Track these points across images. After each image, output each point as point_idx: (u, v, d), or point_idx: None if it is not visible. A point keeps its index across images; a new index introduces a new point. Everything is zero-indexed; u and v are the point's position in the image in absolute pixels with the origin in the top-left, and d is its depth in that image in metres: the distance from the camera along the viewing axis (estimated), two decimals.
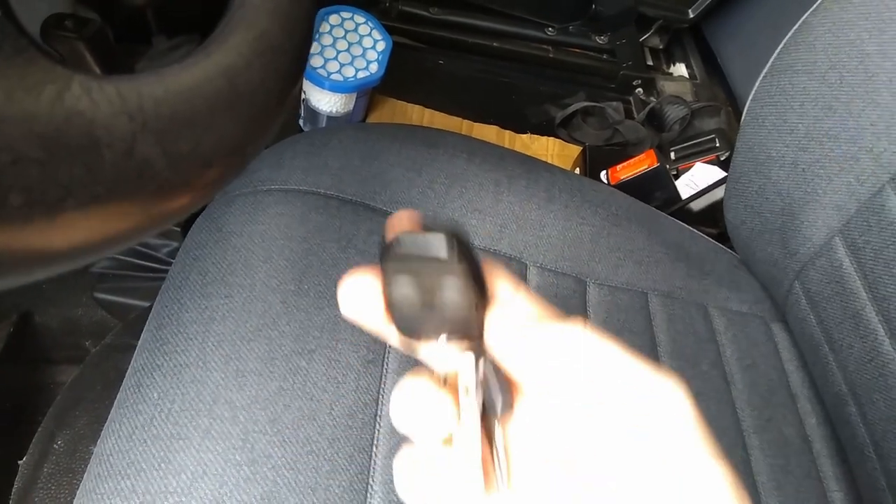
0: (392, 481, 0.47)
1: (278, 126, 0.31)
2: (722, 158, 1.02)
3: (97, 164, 0.19)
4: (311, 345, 0.51)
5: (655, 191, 0.89)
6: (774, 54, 0.67)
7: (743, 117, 0.71)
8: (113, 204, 0.20)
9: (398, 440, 0.49)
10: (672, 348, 0.65)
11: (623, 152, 1.08)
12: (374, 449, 0.48)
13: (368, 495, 0.46)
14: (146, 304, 0.84)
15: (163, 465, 0.44)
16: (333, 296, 0.55)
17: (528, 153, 1.09)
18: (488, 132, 1.10)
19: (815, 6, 0.63)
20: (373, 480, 0.47)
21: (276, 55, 0.29)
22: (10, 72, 0.19)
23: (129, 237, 0.21)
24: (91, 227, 0.19)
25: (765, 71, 0.68)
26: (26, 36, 0.20)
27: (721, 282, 0.73)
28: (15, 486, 0.66)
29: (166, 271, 0.60)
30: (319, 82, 0.89)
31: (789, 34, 0.66)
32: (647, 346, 0.64)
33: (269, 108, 0.29)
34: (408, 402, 0.24)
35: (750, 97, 0.70)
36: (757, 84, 0.69)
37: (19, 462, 0.68)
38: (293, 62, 0.31)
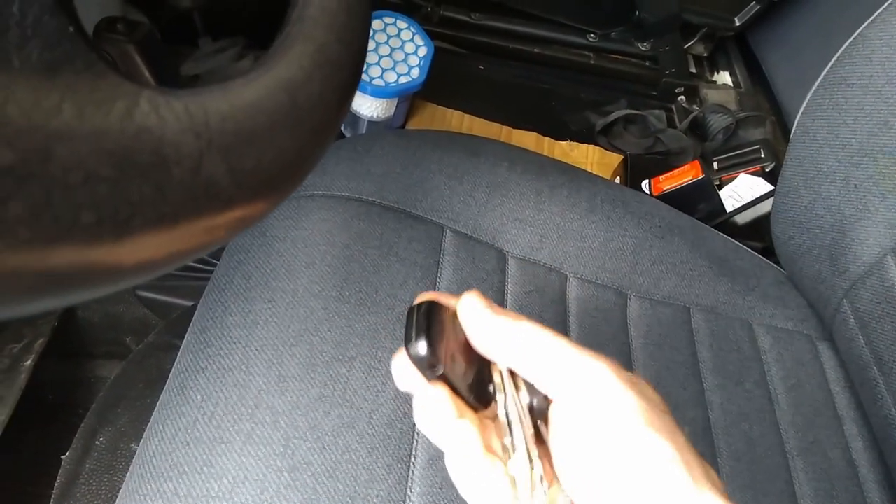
0: (429, 493, 0.47)
1: (336, 136, 0.31)
2: (767, 170, 1.00)
3: (166, 181, 0.19)
4: (352, 352, 0.51)
5: (699, 203, 0.88)
6: (827, 67, 0.66)
7: (793, 130, 0.70)
8: (180, 221, 0.20)
9: (437, 451, 0.49)
10: (715, 365, 0.64)
11: (665, 161, 1.07)
12: (413, 459, 0.48)
13: None
14: (187, 302, 0.85)
15: (205, 468, 0.44)
16: (374, 303, 0.55)
17: (568, 160, 1.08)
18: (528, 139, 1.09)
19: (872, 18, 0.62)
20: (411, 491, 0.46)
21: (335, 68, 0.29)
22: (81, 87, 0.19)
23: (194, 252, 0.22)
24: (158, 245, 0.20)
25: (817, 84, 0.67)
26: (96, 50, 0.20)
27: (766, 298, 0.71)
28: (58, 481, 0.67)
29: (208, 271, 0.61)
30: (361, 87, 0.89)
31: (844, 46, 0.64)
32: (689, 362, 0.63)
33: (328, 120, 0.29)
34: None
35: (801, 110, 0.68)
36: (808, 97, 0.67)
37: (62, 457, 0.70)
38: (350, 74, 0.31)
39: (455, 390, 0.30)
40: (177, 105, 0.21)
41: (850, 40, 0.63)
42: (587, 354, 0.29)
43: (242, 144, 0.23)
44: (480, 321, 0.31)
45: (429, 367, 0.29)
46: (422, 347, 0.29)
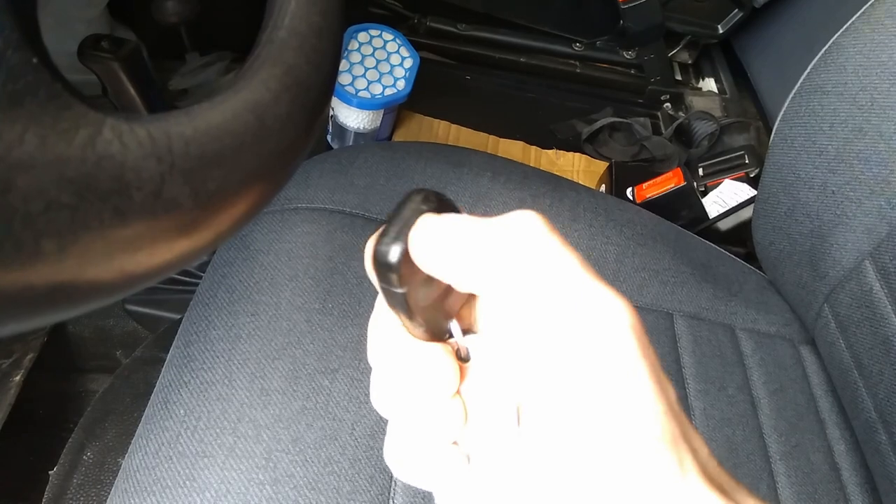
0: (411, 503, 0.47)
1: (306, 156, 0.32)
2: (751, 175, 1.01)
3: (126, 206, 0.20)
4: (335, 364, 0.52)
5: (682, 209, 0.89)
6: (804, 75, 0.67)
7: (772, 137, 0.71)
8: (142, 244, 0.21)
9: None
10: (698, 371, 0.64)
11: (650, 168, 1.08)
12: None
13: None
14: (176, 316, 0.86)
15: (188, 482, 0.45)
16: (357, 315, 0.55)
17: (555, 169, 1.09)
18: (514, 148, 1.10)
19: (845, 27, 0.63)
20: (393, 502, 0.47)
21: (304, 89, 0.30)
22: (45, 117, 0.19)
23: (158, 274, 0.22)
24: (120, 268, 0.20)
25: (794, 91, 0.68)
26: (61, 80, 0.21)
27: (749, 303, 0.72)
28: (45, 497, 0.67)
29: (196, 284, 0.61)
30: (347, 99, 0.90)
31: (819, 55, 0.65)
32: (672, 369, 0.63)
33: (297, 140, 0.29)
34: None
35: (779, 117, 0.69)
36: (786, 104, 0.68)
37: (50, 472, 0.70)
38: (320, 95, 0.31)
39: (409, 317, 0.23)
40: (140, 131, 0.21)
41: (824, 49, 0.64)
42: (606, 289, 0.21)
43: (206, 167, 0.23)
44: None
45: (391, 281, 0.22)
46: (394, 252, 0.21)
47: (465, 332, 0.25)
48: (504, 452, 0.22)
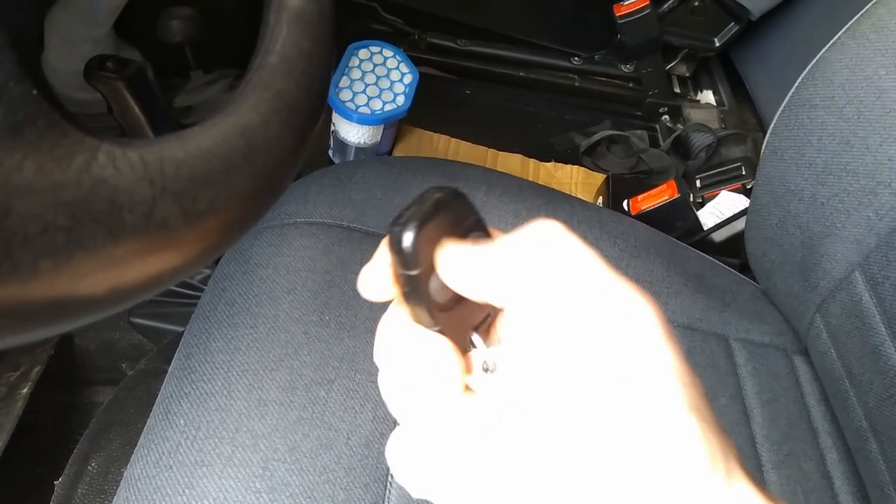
0: None
1: (293, 177, 0.33)
2: (748, 187, 1.02)
3: (118, 227, 0.21)
4: (331, 375, 0.53)
5: (676, 221, 0.90)
6: (792, 89, 0.68)
7: (763, 150, 0.72)
8: (133, 262, 0.22)
9: None
10: None
11: (647, 181, 1.09)
12: (390, 479, 0.49)
13: None
14: (180, 328, 0.87)
15: (187, 490, 0.46)
16: (353, 327, 0.57)
17: (553, 181, 1.10)
18: (513, 161, 1.12)
19: (831, 42, 0.64)
20: None
21: (293, 112, 0.31)
22: (43, 145, 0.21)
23: (150, 289, 0.24)
24: (113, 284, 0.22)
25: (783, 105, 0.69)
26: (59, 109, 0.23)
27: (742, 313, 0.73)
28: None
29: (199, 297, 0.63)
30: (348, 115, 0.92)
31: (807, 69, 0.66)
32: None
33: (285, 162, 0.31)
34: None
35: (769, 131, 0.71)
36: (776, 118, 0.70)
37: (55, 482, 0.71)
38: (309, 117, 0.33)
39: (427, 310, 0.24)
40: (132, 156, 0.23)
41: (812, 63, 0.66)
42: (627, 286, 0.23)
43: (196, 188, 0.25)
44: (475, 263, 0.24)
45: (406, 264, 0.23)
46: (407, 238, 0.23)
47: (489, 345, 0.26)
48: (537, 458, 0.23)
